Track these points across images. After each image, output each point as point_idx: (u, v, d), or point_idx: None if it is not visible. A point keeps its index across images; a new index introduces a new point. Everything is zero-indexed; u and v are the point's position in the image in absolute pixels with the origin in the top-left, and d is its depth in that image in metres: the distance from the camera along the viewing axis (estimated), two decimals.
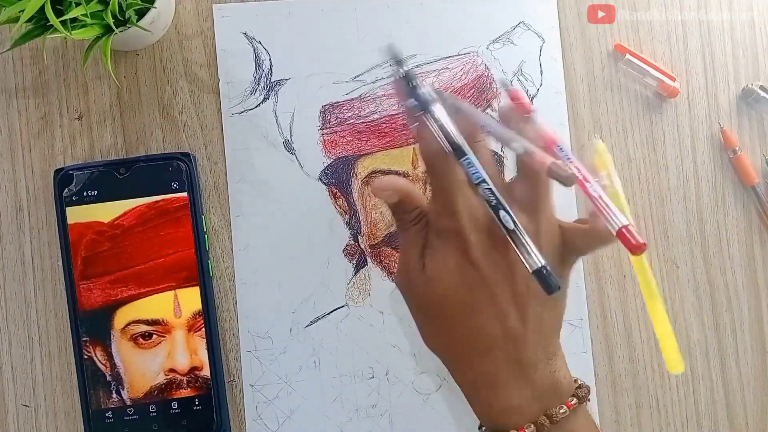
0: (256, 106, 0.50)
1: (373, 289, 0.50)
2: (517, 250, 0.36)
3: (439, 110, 0.38)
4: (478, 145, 0.39)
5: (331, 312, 0.50)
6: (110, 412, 0.47)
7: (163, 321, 0.48)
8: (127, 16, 0.44)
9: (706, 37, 0.53)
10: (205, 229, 0.49)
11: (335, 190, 0.50)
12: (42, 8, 0.41)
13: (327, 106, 0.51)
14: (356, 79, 0.51)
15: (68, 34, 0.42)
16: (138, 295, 0.47)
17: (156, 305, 0.48)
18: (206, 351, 0.48)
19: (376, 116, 0.50)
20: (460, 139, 0.38)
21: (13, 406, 0.49)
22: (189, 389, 0.48)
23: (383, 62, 0.51)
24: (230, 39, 0.50)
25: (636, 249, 0.36)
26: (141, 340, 0.48)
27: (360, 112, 0.50)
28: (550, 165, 0.36)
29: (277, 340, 0.50)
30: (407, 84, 0.39)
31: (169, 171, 0.48)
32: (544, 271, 0.35)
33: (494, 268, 0.37)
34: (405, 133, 0.50)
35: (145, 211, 0.48)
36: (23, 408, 0.49)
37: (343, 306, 0.50)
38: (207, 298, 0.48)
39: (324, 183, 0.50)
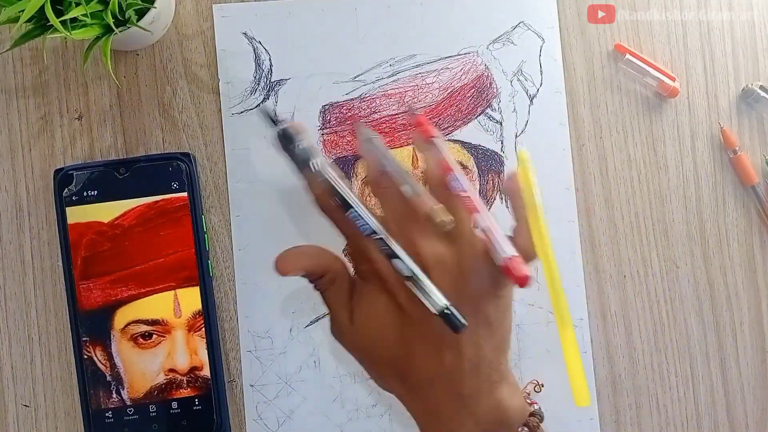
0: (256, 106, 0.50)
1: None
2: (418, 295, 0.36)
3: (322, 165, 0.38)
4: (385, 192, 0.39)
5: None
6: (110, 412, 0.47)
7: (163, 321, 0.48)
8: (127, 16, 0.44)
9: (706, 37, 0.53)
10: (205, 229, 0.49)
11: None
12: (42, 8, 0.41)
13: (327, 106, 0.51)
14: (356, 79, 0.51)
15: (68, 34, 0.42)
16: (138, 295, 0.47)
17: (156, 305, 0.48)
18: (206, 351, 0.48)
19: (376, 116, 0.50)
20: (344, 192, 0.37)
21: (13, 406, 0.49)
22: (189, 389, 0.48)
23: (383, 62, 0.51)
24: (230, 39, 0.50)
25: (521, 281, 0.34)
26: (141, 340, 0.48)
27: (360, 112, 0.50)
28: (426, 211, 0.36)
29: (277, 340, 0.50)
30: (286, 144, 0.39)
31: (169, 171, 0.48)
32: (447, 311, 0.35)
33: (420, 306, 0.36)
34: (405, 133, 0.50)
35: (145, 211, 0.48)
36: (23, 408, 0.49)
37: None
38: (207, 298, 0.48)
39: None
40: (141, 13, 0.45)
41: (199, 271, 0.48)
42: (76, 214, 0.48)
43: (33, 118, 0.50)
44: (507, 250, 0.35)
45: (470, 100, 0.51)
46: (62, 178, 0.48)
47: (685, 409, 0.51)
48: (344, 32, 0.51)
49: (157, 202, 0.48)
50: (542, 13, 0.52)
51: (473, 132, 0.51)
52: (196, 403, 0.48)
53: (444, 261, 0.37)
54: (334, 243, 0.50)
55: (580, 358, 0.37)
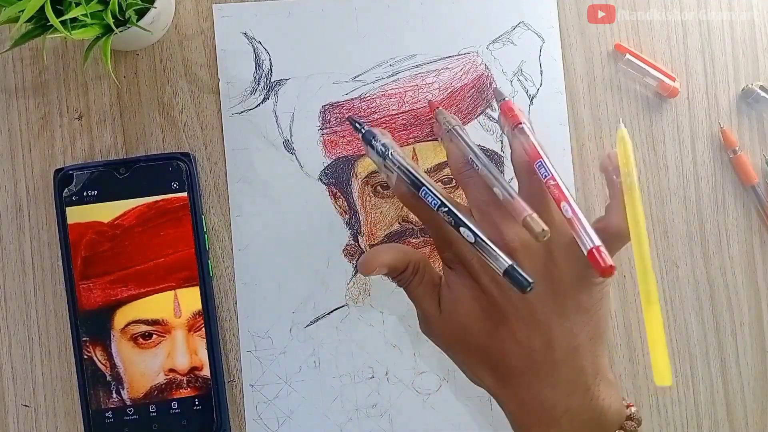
0: (256, 106, 0.50)
1: (373, 289, 0.50)
2: (485, 260, 0.35)
3: (396, 155, 0.41)
4: (467, 180, 0.40)
5: (331, 312, 0.50)
6: (110, 412, 0.47)
7: (163, 321, 0.48)
8: (127, 16, 0.44)
9: (706, 37, 0.53)
10: (205, 229, 0.49)
11: (335, 190, 0.50)
12: (42, 8, 0.41)
13: (327, 106, 0.51)
14: (356, 79, 0.51)
15: (68, 34, 0.42)
16: (138, 295, 0.47)
17: (156, 305, 0.48)
18: (206, 351, 0.48)
19: (376, 116, 0.50)
20: (416, 175, 0.39)
21: (13, 406, 0.49)
22: (189, 389, 0.48)
23: (383, 62, 0.51)
24: (230, 39, 0.50)
25: (604, 272, 0.34)
26: (141, 340, 0.48)
27: (360, 112, 0.50)
28: (524, 219, 0.36)
29: (277, 340, 0.50)
30: (366, 143, 0.43)
31: (169, 171, 0.48)
32: (512, 270, 0.34)
33: (507, 290, 0.36)
34: (405, 132, 0.50)
35: (145, 211, 0.48)
36: (23, 408, 0.49)
37: (343, 306, 0.50)
38: (207, 298, 0.48)
39: (324, 183, 0.50)
40: (141, 13, 0.45)
41: (199, 271, 0.48)
42: (76, 214, 0.48)
43: (33, 118, 0.50)
44: (593, 240, 0.35)
45: (470, 100, 0.51)
46: (62, 178, 0.48)
47: (685, 409, 0.51)
48: (344, 32, 0.51)
49: (157, 202, 0.48)
50: (542, 13, 0.52)
51: (473, 132, 0.51)
52: (196, 403, 0.48)
53: (530, 245, 0.37)
54: (335, 243, 0.50)
55: (663, 336, 0.36)
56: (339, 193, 0.50)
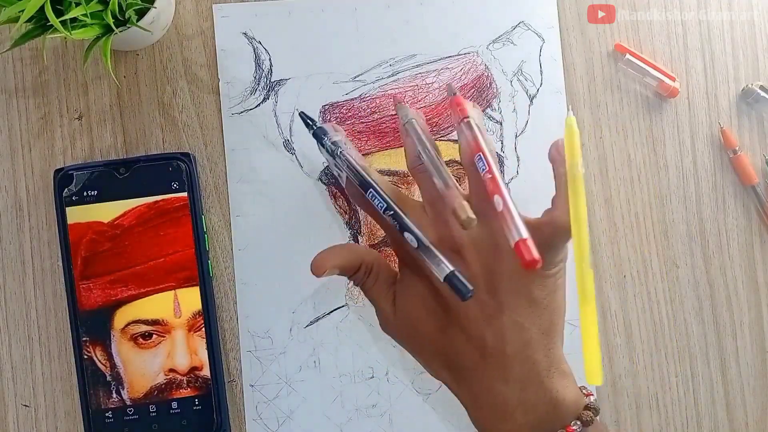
0: (256, 106, 0.50)
1: None
2: (427, 264, 0.35)
3: (347, 153, 0.41)
4: (421, 175, 0.40)
5: (331, 312, 0.50)
6: (110, 412, 0.47)
7: (162, 321, 0.48)
8: (127, 16, 0.44)
9: (706, 37, 0.53)
10: (205, 229, 0.49)
11: (335, 190, 0.50)
12: (42, 8, 0.41)
13: (327, 106, 0.51)
14: (356, 79, 0.51)
15: (68, 34, 0.42)
16: (138, 295, 0.47)
17: (156, 305, 0.48)
18: (206, 351, 0.48)
19: (375, 116, 0.50)
20: (363, 175, 0.39)
21: (13, 406, 0.49)
22: (189, 389, 0.48)
23: (383, 62, 0.51)
24: (230, 39, 0.50)
25: (528, 264, 0.33)
26: (141, 340, 0.48)
27: (360, 112, 0.50)
28: (452, 207, 0.36)
29: (277, 340, 0.50)
30: (318, 141, 0.43)
31: (169, 171, 0.48)
32: (453, 277, 0.34)
33: None
34: None
35: (144, 211, 0.48)
36: (23, 408, 0.49)
37: (343, 306, 0.50)
38: (207, 298, 0.48)
39: (324, 183, 0.50)
40: (141, 13, 0.45)
41: (199, 271, 0.48)
42: (76, 214, 0.48)
43: (33, 118, 0.50)
44: (521, 232, 0.34)
45: (470, 100, 0.51)
46: (62, 178, 0.48)
47: (685, 409, 0.51)
48: (344, 32, 0.51)
49: (157, 202, 0.48)
50: (542, 13, 0.52)
51: None
52: (196, 403, 0.48)
53: (479, 241, 0.37)
54: (335, 243, 0.50)
55: (597, 336, 0.35)
56: (339, 193, 0.50)
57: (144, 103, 0.50)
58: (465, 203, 0.36)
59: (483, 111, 0.51)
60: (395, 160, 0.50)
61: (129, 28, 0.44)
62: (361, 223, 0.50)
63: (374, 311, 0.41)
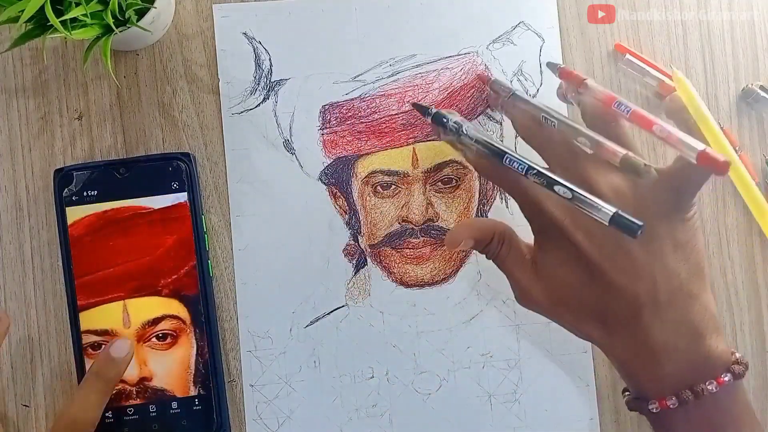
0: (256, 106, 0.50)
1: (373, 289, 0.50)
2: (587, 212, 0.35)
3: (469, 130, 0.42)
4: (540, 139, 0.41)
5: (331, 312, 0.50)
6: (110, 412, 0.47)
7: (111, 331, 0.47)
8: (127, 16, 0.44)
9: (706, 37, 0.53)
10: (205, 229, 0.49)
11: (335, 190, 0.50)
12: (42, 8, 0.41)
13: (327, 106, 0.51)
14: (356, 79, 0.51)
15: (68, 34, 0.42)
16: (86, 305, 0.47)
17: (105, 315, 0.47)
18: (157, 361, 0.47)
19: (376, 116, 0.50)
20: (496, 143, 0.40)
21: (13, 406, 0.49)
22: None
23: (383, 62, 0.51)
24: (230, 39, 0.50)
25: (721, 168, 0.34)
26: (90, 350, 0.47)
27: (360, 112, 0.50)
28: (622, 157, 0.36)
29: (277, 340, 0.50)
30: (438, 123, 0.45)
31: (169, 171, 0.48)
32: (618, 216, 0.34)
33: (602, 242, 0.37)
34: (405, 132, 0.50)
35: (94, 221, 0.47)
36: (23, 408, 0.49)
37: (343, 306, 0.50)
38: (207, 298, 0.48)
39: (324, 183, 0.50)
40: (141, 13, 0.45)
41: (199, 271, 0.48)
42: (76, 214, 0.48)
43: (33, 118, 0.50)
44: (697, 145, 0.35)
45: (470, 100, 0.51)
46: (62, 178, 0.48)
47: None
48: (344, 32, 0.51)
49: (106, 212, 0.47)
50: (542, 13, 0.52)
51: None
52: (196, 403, 0.48)
53: (620, 190, 0.37)
54: (335, 243, 0.50)
55: None
56: (339, 193, 0.50)
57: (144, 103, 0.50)
58: (629, 152, 0.36)
59: (483, 111, 0.51)
60: (395, 160, 0.50)
61: (129, 28, 0.44)
62: (361, 223, 0.50)
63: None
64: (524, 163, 0.38)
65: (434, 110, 0.45)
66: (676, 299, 0.37)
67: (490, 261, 0.43)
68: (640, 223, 0.34)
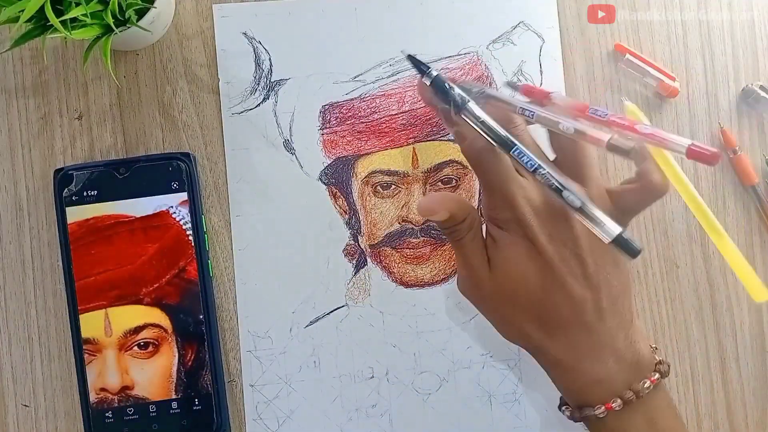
0: (256, 106, 0.50)
1: (373, 289, 0.50)
2: (589, 225, 0.36)
3: (474, 107, 0.39)
4: (517, 130, 0.40)
5: (331, 312, 0.50)
6: (110, 412, 0.47)
7: (93, 339, 0.47)
8: (127, 16, 0.44)
9: (706, 37, 0.53)
10: (205, 229, 0.49)
11: (335, 190, 0.50)
12: (42, 8, 0.41)
13: (327, 106, 0.51)
14: (356, 79, 0.51)
15: (68, 34, 0.42)
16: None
17: (87, 323, 0.47)
18: (141, 369, 0.47)
19: (376, 116, 0.50)
20: (504, 132, 0.38)
21: (13, 406, 0.49)
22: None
23: (383, 62, 0.51)
24: (230, 39, 0.50)
25: (713, 159, 0.34)
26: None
27: (360, 112, 0.50)
28: (608, 141, 0.36)
29: (277, 340, 0.50)
30: (440, 89, 0.40)
31: (169, 171, 0.48)
32: (623, 237, 0.35)
33: (561, 247, 0.38)
34: (405, 132, 0.50)
35: (76, 230, 0.47)
36: (23, 408, 0.49)
37: (343, 306, 0.50)
38: (207, 298, 0.48)
39: (324, 183, 0.50)
40: (141, 13, 0.45)
41: (199, 271, 0.48)
42: (76, 214, 0.48)
43: (33, 118, 0.50)
44: (684, 141, 0.35)
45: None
46: (62, 178, 0.48)
47: (685, 409, 0.51)
48: (344, 32, 0.51)
49: (87, 220, 0.47)
50: (542, 13, 0.52)
51: None
52: (196, 403, 0.48)
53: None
54: (335, 243, 0.50)
55: (742, 257, 0.38)
56: (339, 193, 0.50)
57: (144, 103, 0.50)
58: (617, 135, 0.36)
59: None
60: (395, 160, 0.50)
61: (129, 28, 0.44)
62: (361, 223, 0.50)
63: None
64: (534, 161, 0.37)
65: (435, 72, 0.40)
66: (614, 306, 0.39)
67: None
68: (640, 247, 0.35)
